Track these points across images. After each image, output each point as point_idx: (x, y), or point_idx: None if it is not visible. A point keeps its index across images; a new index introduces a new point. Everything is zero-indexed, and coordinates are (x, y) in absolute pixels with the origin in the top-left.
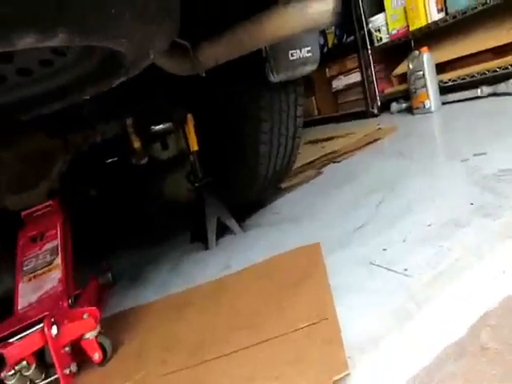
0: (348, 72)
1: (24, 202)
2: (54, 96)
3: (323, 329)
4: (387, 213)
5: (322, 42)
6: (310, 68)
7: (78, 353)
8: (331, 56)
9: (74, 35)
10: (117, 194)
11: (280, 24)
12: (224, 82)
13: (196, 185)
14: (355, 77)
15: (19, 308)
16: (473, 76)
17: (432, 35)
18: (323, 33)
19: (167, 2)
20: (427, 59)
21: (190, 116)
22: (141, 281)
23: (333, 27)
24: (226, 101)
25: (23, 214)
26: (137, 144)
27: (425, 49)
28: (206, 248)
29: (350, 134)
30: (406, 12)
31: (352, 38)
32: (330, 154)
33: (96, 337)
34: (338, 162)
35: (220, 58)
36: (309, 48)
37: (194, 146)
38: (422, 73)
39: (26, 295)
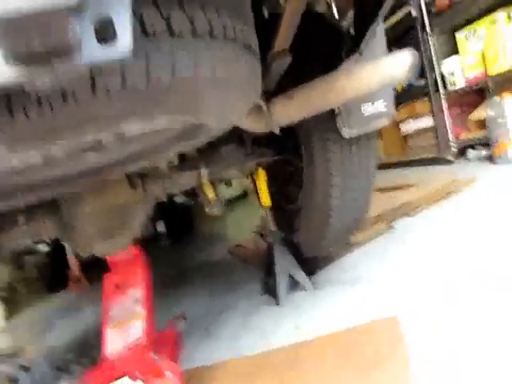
0: (418, 116)
1: (109, 249)
2: (143, 155)
3: None
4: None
5: None
6: (384, 122)
7: None
8: (399, 98)
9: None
10: (182, 230)
11: (354, 82)
12: (292, 134)
13: (268, 240)
14: (426, 121)
15: (107, 352)
16: None
17: None
18: None
19: (253, 83)
20: (510, 105)
21: (261, 171)
22: (213, 331)
23: None
24: (295, 153)
25: (108, 259)
26: (211, 194)
27: (507, 93)
28: (277, 303)
29: (422, 184)
30: (483, 56)
31: (423, 81)
32: (401, 206)
33: None
34: (412, 215)
35: (293, 117)
36: (384, 101)
37: (267, 201)
38: (504, 120)
39: (113, 341)
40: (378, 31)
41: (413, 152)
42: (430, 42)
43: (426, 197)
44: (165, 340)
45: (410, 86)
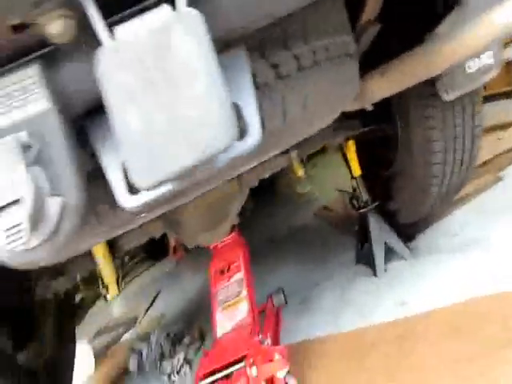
0: None
1: (211, 239)
2: None
3: None
4: None
5: None
6: (491, 75)
7: None
8: None
9: None
10: (265, 190)
11: (460, 45)
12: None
13: (360, 211)
14: None
15: (218, 336)
16: None
17: None
18: None
19: (354, 81)
20: None
21: (350, 143)
22: (311, 305)
23: None
24: (386, 121)
25: (212, 247)
26: (300, 172)
27: None
28: (374, 274)
29: None
30: None
31: None
32: (509, 151)
33: (285, 377)
34: None
35: (389, 92)
36: (491, 52)
37: (357, 171)
38: None
39: (222, 324)
40: None
41: None
42: None
43: None
44: (267, 316)
45: None
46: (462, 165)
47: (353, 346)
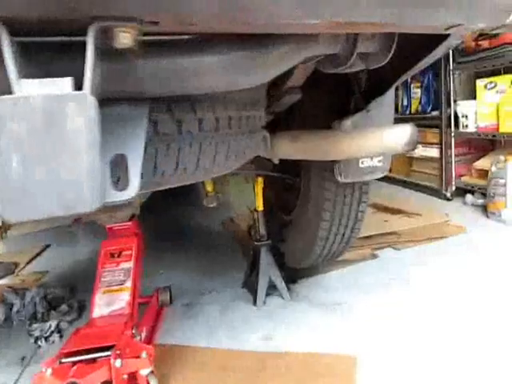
0: (427, 144)
1: (109, 220)
2: None
3: None
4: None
5: (406, 102)
6: (378, 175)
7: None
8: (414, 120)
9: None
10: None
11: (356, 146)
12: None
13: (255, 243)
14: (433, 152)
15: (93, 316)
16: None
17: None
18: (408, 95)
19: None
20: None
21: (260, 179)
22: (190, 312)
23: (419, 93)
24: (294, 175)
25: (108, 227)
26: (210, 187)
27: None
28: (254, 303)
29: (417, 215)
30: (498, 110)
31: (437, 112)
32: (390, 234)
33: (147, 375)
34: (398, 249)
35: (293, 156)
36: (381, 158)
37: (260, 206)
38: (503, 181)
39: (100, 307)
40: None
41: (415, 176)
42: (451, 78)
43: (416, 233)
44: (148, 310)
45: (424, 111)
46: (343, 236)
47: (215, 364)
